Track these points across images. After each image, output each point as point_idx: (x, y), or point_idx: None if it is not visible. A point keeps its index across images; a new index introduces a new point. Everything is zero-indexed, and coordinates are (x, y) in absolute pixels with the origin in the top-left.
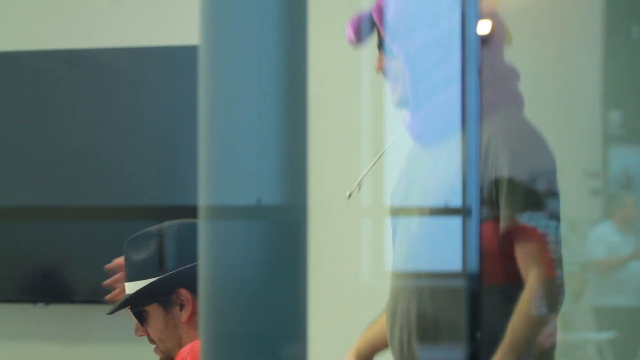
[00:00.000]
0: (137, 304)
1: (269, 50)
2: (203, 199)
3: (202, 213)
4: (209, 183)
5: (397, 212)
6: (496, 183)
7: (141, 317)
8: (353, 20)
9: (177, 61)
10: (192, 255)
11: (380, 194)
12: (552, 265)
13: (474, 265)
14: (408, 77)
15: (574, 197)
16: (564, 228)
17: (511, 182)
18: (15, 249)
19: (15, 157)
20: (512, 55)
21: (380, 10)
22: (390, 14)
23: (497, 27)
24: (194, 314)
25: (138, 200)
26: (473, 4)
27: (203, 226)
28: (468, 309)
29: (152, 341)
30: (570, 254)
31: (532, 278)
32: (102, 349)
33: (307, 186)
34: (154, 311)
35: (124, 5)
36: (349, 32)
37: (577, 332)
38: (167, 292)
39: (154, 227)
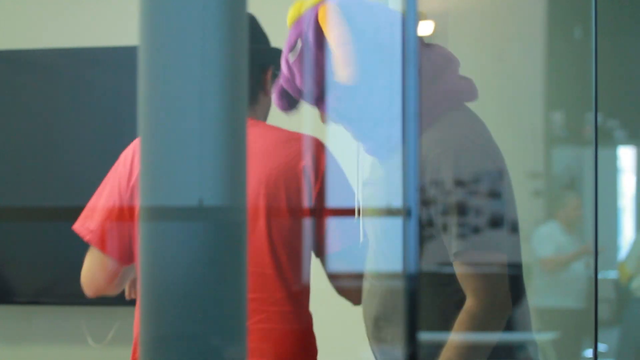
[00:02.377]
0: None
1: (209, 50)
2: (144, 200)
3: (142, 214)
4: (150, 184)
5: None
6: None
7: None
8: (277, 92)
9: (118, 62)
10: None
11: None
12: (494, 291)
13: (412, 265)
14: (354, 121)
15: (517, 198)
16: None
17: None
18: None
19: None
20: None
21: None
22: (313, 71)
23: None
24: None
25: (81, 201)
26: (412, 4)
27: (143, 227)
28: (407, 309)
29: None
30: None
31: (469, 304)
32: (44, 350)
33: (246, 187)
34: None
35: (64, 6)
36: (280, 104)
37: (519, 332)
38: None
39: None
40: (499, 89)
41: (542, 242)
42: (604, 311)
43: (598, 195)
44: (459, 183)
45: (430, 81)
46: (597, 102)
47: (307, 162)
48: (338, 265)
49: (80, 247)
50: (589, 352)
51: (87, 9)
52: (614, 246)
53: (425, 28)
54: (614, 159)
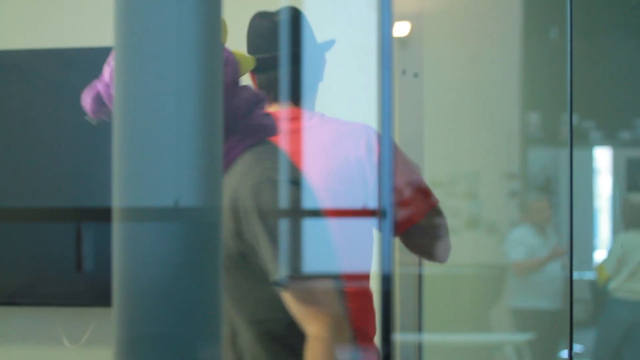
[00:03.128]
0: None
1: (185, 51)
2: (119, 201)
3: (117, 214)
4: (125, 185)
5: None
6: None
7: None
8: (91, 95)
9: (94, 63)
10: None
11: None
12: (333, 309)
13: (387, 267)
14: None
15: (493, 199)
16: (483, 230)
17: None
18: None
19: None
20: (428, 58)
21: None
22: None
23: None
24: None
25: (57, 202)
26: (387, 6)
27: (118, 228)
28: (382, 311)
29: None
30: (489, 255)
31: (313, 330)
32: (20, 351)
33: (222, 188)
34: None
35: (40, 7)
36: (91, 108)
37: (494, 333)
38: None
39: None
40: (475, 90)
41: (514, 245)
42: (581, 312)
43: (573, 196)
44: (266, 213)
45: (241, 118)
46: (572, 103)
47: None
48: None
49: (55, 248)
50: (565, 353)
51: (66, 9)
52: (590, 247)
53: (402, 28)
54: (589, 160)
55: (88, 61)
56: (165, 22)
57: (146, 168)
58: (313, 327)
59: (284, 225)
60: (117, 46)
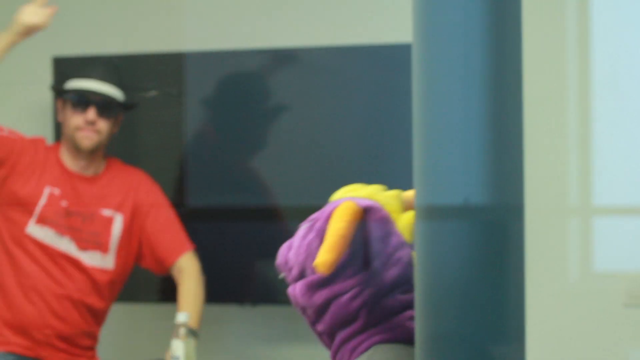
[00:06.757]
0: None
1: (476, 46)
2: (418, 199)
3: (417, 213)
4: (422, 182)
5: None
6: None
7: None
8: None
9: (385, 59)
10: None
11: (588, 193)
12: None
13: None
14: None
15: None
16: None
17: None
18: (227, 249)
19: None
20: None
21: None
22: None
23: None
24: None
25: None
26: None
27: (418, 226)
28: None
29: None
30: None
31: None
32: (307, 349)
33: (522, 185)
34: None
35: (333, 5)
36: None
37: None
38: None
39: None
40: None
41: None
42: None
43: None
44: None
45: None
46: None
47: None
48: None
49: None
50: None
51: (358, 7)
52: None
53: None
54: None
55: (378, 58)
56: (457, 17)
57: (439, 165)
58: None
59: None
60: (415, 43)
